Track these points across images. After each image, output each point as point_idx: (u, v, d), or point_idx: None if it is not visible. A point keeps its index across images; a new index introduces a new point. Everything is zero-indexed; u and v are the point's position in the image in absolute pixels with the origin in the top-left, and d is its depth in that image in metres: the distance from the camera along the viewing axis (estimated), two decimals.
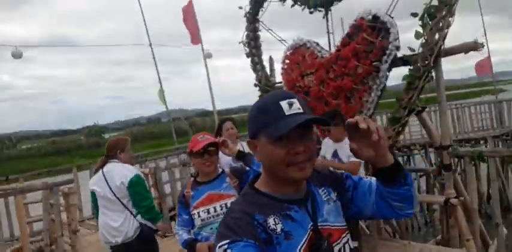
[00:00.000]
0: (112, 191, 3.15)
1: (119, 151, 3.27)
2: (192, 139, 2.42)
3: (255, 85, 5.35)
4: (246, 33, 5.31)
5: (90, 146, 40.18)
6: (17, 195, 5.01)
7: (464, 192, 4.14)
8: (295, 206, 1.07)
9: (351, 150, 1.04)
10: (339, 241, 1.12)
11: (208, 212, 2.31)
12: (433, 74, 3.76)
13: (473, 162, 4.13)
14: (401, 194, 1.09)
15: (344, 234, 1.15)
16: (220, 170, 2.45)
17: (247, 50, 5.33)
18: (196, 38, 8.78)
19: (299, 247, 1.02)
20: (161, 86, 8.92)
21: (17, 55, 8.41)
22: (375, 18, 3.93)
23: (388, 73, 4.02)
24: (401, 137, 10.65)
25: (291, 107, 1.02)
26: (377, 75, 4.02)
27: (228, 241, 0.94)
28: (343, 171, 1.26)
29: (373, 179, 1.21)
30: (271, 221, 1.01)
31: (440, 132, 4.06)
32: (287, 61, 4.98)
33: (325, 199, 1.16)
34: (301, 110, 1.03)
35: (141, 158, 7.64)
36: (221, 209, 2.30)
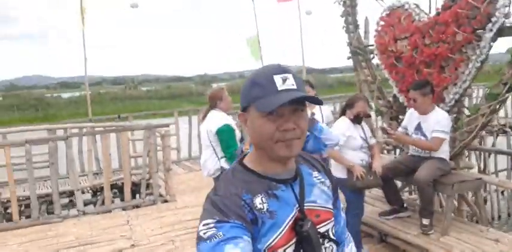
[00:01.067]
0: (207, 135, 3.63)
1: (217, 101, 3.67)
2: None
3: (348, 45, 5.15)
4: None
5: (199, 93, 42.95)
6: (122, 133, 5.78)
7: None
8: (283, 185, 1.05)
9: None
10: (326, 222, 1.11)
11: None
12: None
13: None
14: None
15: (332, 218, 1.14)
16: None
17: (342, 9, 5.11)
18: None
19: (283, 226, 1.01)
20: (259, 42, 8.96)
21: (134, 5, 9.34)
22: None
23: (491, 43, 3.60)
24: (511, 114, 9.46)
25: (285, 82, 0.99)
26: (478, 45, 3.61)
27: (214, 220, 0.93)
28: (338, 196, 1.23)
29: (348, 240, 1.26)
30: (258, 200, 0.99)
31: None
32: (382, 23, 4.69)
33: (316, 181, 1.14)
34: (294, 87, 0.99)
35: (233, 110, 8.08)
36: None
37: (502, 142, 9.29)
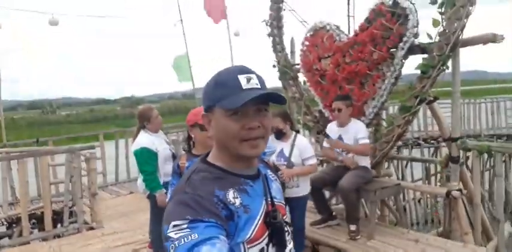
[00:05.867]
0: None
1: (145, 122, 3.59)
2: (195, 112, 2.50)
3: (274, 66, 5.36)
4: (269, 13, 5.30)
5: (125, 116, 41.49)
6: (41, 157, 5.37)
7: (470, 185, 4.09)
8: (250, 181, 1.07)
9: None
10: (285, 217, 1.16)
11: None
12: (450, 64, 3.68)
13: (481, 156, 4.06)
14: None
15: (286, 213, 1.19)
16: None
17: (269, 29, 5.32)
18: (219, 16, 8.62)
19: (257, 219, 1.02)
20: (189, 61, 8.92)
21: (53, 23, 8.73)
22: (395, 3, 3.85)
23: (403, 61, 3.96)
24: (430, 128, 10.37)
25: (249, 81, 1.00)
26: (392, 62, 3.96)
27: (187, 221, 0.87)
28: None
29: None
30: (230, 195, 0.99)
31: (451, 124, 4.00)
32: (306, 43, 4.96)
33: (272, 178, 1.21)
34: (258, 86, 1.01)
35: (164, 130, 7.92)
36: None
37: (416, 154, 10.10)
